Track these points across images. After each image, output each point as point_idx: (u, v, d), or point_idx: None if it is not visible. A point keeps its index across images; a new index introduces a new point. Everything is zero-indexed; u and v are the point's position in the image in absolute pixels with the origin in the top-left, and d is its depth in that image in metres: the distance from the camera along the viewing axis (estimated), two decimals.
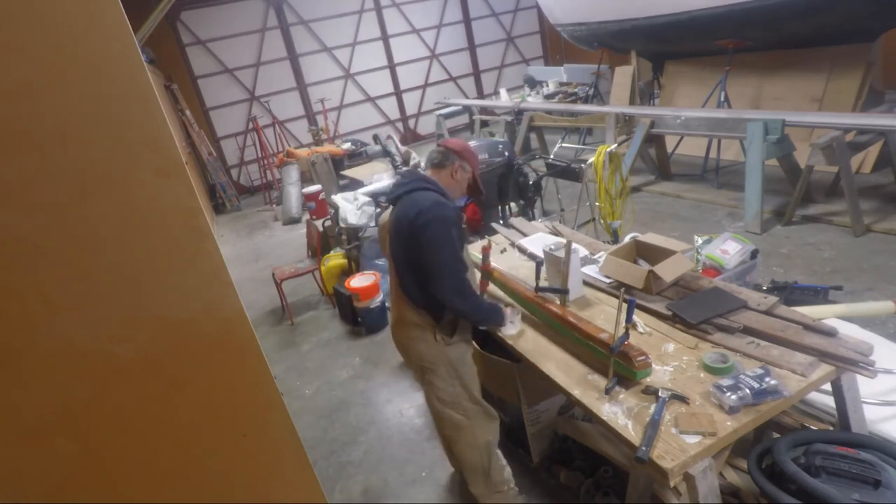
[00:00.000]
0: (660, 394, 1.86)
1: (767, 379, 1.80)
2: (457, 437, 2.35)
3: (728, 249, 3.59)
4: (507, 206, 5.41)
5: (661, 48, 7.81)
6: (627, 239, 2.90)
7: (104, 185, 1.07)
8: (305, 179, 8.06)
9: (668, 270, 2.48)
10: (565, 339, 2.33)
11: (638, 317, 2.36)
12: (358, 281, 4.59)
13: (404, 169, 2.43)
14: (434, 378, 2.25)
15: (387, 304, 4.65)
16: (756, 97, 6.69)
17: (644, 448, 1.66)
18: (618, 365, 2.01)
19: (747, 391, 1.76)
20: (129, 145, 1.08)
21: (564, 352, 2.29)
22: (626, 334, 2.06)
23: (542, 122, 7.81)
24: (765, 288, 3.52)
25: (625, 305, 2.09)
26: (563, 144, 8.08)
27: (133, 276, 1.14)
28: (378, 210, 5.02)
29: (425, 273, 2.07)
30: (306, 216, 6.95)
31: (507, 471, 2.48)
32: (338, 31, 11.09)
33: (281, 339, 4.88)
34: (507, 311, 2.40)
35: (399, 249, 2.16)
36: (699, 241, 3.78)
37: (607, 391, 1.95)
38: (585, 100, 9.17)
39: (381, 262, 5.17)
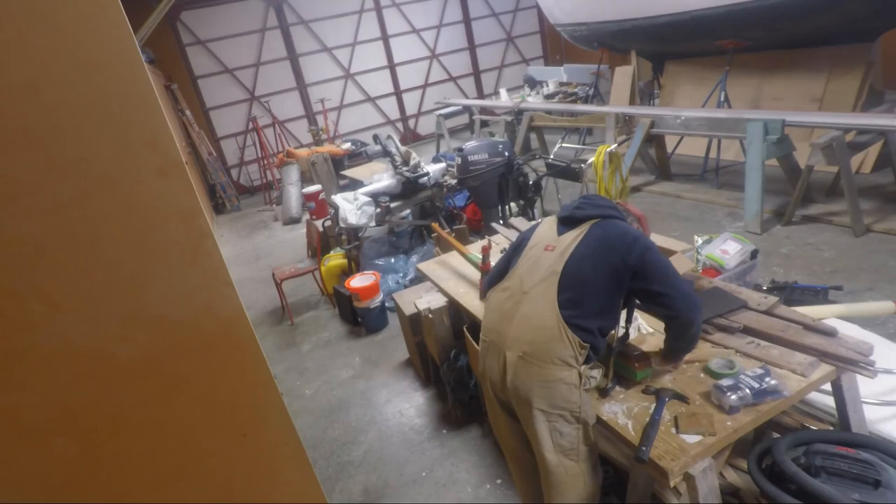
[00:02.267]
0: (660, 394, 1.86)
1: (767, 379, 1.80)
2: (565, 489, 1.98)
3: (728, 249, 3.59)
4: (507, 206, 5.41)
5: (661, 48, 7.80)
6: None
7: (104, 185, 1.07)
8: (305, 179, 8.06)
9: None
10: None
11: (638, 317, 2.36)
12: (358, 281, 4.59)
13: (593, 195, 2.25)
14: (562, 424, 1.91)
15: (386, 303, 4.66)
16: (756, 97, 6.69)
17: (644, 448, 1.66)
18: (618, 365, 2.01)
19: (747, 391, 1.76)
20: (130, 145, 1.08)
21: None
22: (626, 334, 2.06)
23: (542, 122, 7.81)
24: (765, 288, 3.52)
25: None
26: (563, 144, 8.08)
27: (133, 276, 1.13)
28: (378, 210, 5.02)
29: (652, 301, 1.92)
30: (306, 216, 6.95)
31: None
32: (338, 31, 11.09)
33: (281, 339, 4.88)
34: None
35: (588, 271, 1.90)
36: (699, 241, 3.78)
37: (607, 391, 1.95)
38: (585, 100, 9.17)
39: (381, 261, 5.17)
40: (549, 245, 2.01)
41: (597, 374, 1.92)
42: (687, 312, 1.89)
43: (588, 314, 1.88)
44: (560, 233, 2.03)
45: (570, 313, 1.86)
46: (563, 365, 1.85)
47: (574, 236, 1.97)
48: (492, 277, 2.22)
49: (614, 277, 1.88)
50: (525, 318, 1.92)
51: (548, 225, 2.13)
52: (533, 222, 2.29)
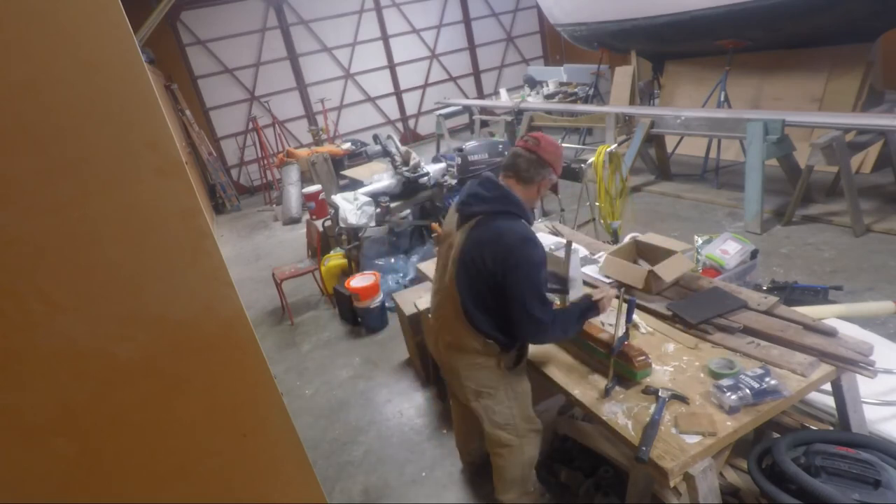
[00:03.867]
0: (660, 394, 1.86)
1: (767, 379, 1.80)
2: (505, 454, 2.24)
3: (728, 249, 3.59)
4: None
5: (661, 48, 7.80)
6: (627, 239, 2.90)
7: (105, 185, 1.07)
8: (305, 179, 8.05)
9: (668, 270, 2.48)
10: (565, 339, 2.33)
11: (638, 317, 2.36)
12: (358, 281, 4.59)
13: (486, 174, 2.10)
14: (491, 402, 2.11)
15: (386, 303, 4.66)
16: (756, 97, 6.69)
17: (644, 448, 1.66)
18: (618, 365, 2.01)
19: (747, 391, 1.76)
20: (130, 145, 1.08)
21: (564, 352, 2.29)
22: (626, 334, 2.06)
23: (542, 122, 7.81)
24: (765, 288, 3.52)
25: (625, 306, 2.10)
26: (564, 144, 8.08)
27: (133, 276, 1.14)
28: (378, 210, 5.02)
29: (508, 314, 1.91)
30: (306, 216, 6.95)
31: (535, 479, 2.46)
32: (338, 31, 11.09)
33: (281, 339, 4.87)
34: (597, 293, 2.09)
35: (470, 278, 1.94)
36: (699, 241, 3.78)
37: (607, 391, 1.95)
38: (585, 100, 9.17)
39: (381, 261, 5.17)
40: (451, 240, 2.05)
41: (514, 355, 2.09)
42: (533, 340, 2.03)
43: (481, 317, 1.95)
44: (458, 225, 2.03)
45: (469, 314, 1.96)
46: (478, 354, 2.01)
47: (462, 235, 1.98)
48: None
49: (492, 281, 1.89)
50: (443, 312, 2.09)
51: (451, 213, 2.13)
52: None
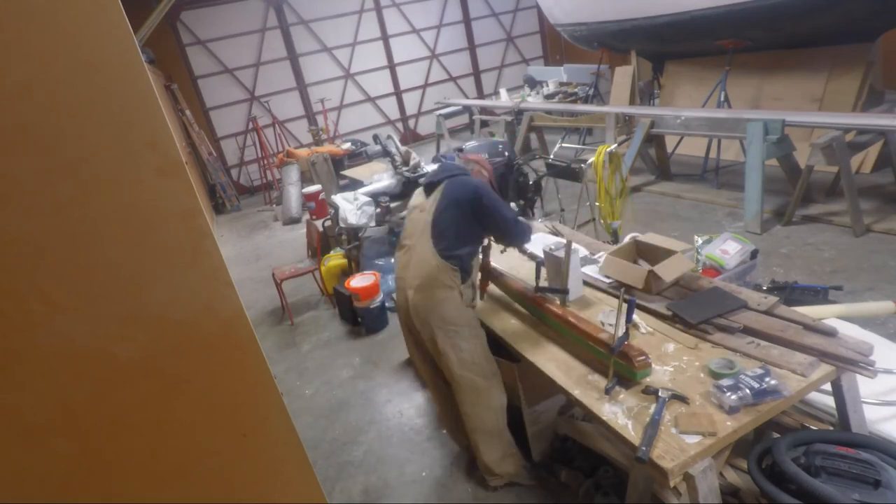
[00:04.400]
0: (660, 394, 1.86)
1: (767, 379, 1.80)
2: (476, 400, 2.54)
3: (728, 249, 3.59)
4: None
5: (661, 48, 7.80)
6: (627, 239, 2.90)
7: (104, 185, 1.07)
8: (305, 179, 8.06)
9: (668, 270, 2.48)
10: (565, 339, 2.33)
11: (638, 317, 2.36)
12: (358, 281, 4.59)
13: (443, 160, 3.11)
14: (459, 340, 2.46)
15: (386, 303, 4.66)
16: (756, 97, 6.69)
17: (644, 448, 1.66)
18: (618, 365, 2.01)
19: (747, 391, 1.76)
20: (130, 145, 1.08)
21: (564, 352, 2.29)
22: (626, 334, 2.06)
23: (542, 122, 7.81)
24: (765, 288, 3.52)
25: (625, 305, 2.10)
26: (563, 144, 8.06)
27: (133, 276, 1.13)
28: (378, 210, 5.02)
29: (493, 232, 2.60)
30: (306, 216, 6.95)
31: (510, 435, 2.71)
32: (338, 31, 11.09)
33: (281, 339, 4.87)
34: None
35: (448, 217, 2.48)
36: (699, 241, 3.78)
37: (607, 391, 1.95)
38: (585, 100, 9.17)
39: (381, 261, 5.17)
40: (421, 207, 2.61)
41: (470, 292, 2.56)
42: (513, 238, 2.62)
43: (454, 245, 2.46)
44: (426, 197, 2.63)
45: (441, 248, 2.45)
46: (445, 287, 2.43)
47: (435, 196, 2.56)
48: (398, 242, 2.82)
49: (465, 214, 2.47)
50: (414, 262, 2.52)
51: (418, 194, 2.74)
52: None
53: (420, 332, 2.57)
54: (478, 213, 2.47)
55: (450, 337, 2.46)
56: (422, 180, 2.77)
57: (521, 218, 2.68)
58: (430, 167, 5.44)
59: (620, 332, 2.04)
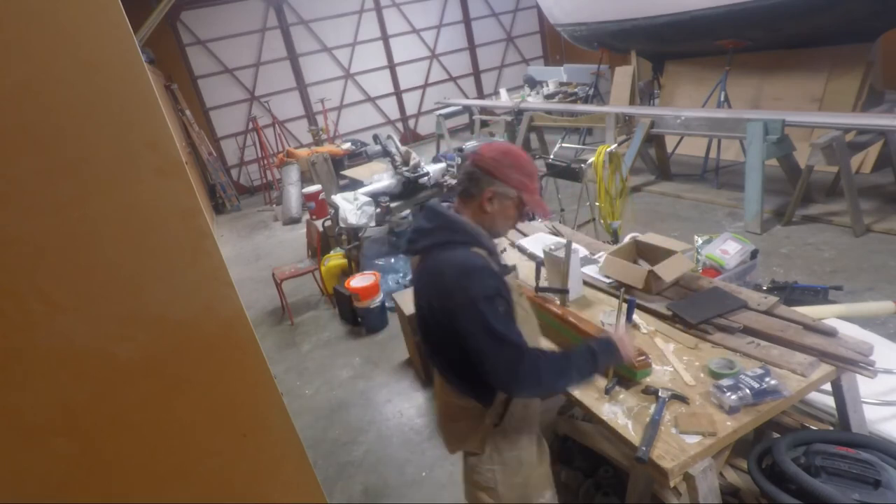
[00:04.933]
0: (660, 394, 1.86)
1: (767, 379, 1.80)
2: None
3: (728, 249, 3.59)
4: None
5: (661, 48, 7.80)
6: (627, 239, 2.90)
7: (104, 185, 1.07)
8: (305, 179, 8.06)
9: (668, 270, 2.48)
10: (565, 339, 2.33)
11: (638, 317, 2.36)
12: (358, 281, 4.59)
13: (429, 203, 1.75)
14: (475, 460, 1.76)
15: (386, 303, 4.66)
16: (756, 97, 6.69)
17: (644, 448, 1.66)
18: (617, 365, 2.00)
19: (747, 391, 1.76)
20: (130, 145, 1.08)
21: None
22: None
23: (542, 122, 7.81)
24: (765, 288, 3.52)
25: (625, 305, 2.09)
26: (563, 144, 8.05)
27: (133, 276, 1.14)
28: (378, 210, 5.02)
29: (470, 360, 1.55)
30: (306, 216, 6.95)
31: None
32: (338, 31, 11.09)
33: (281, 339, 4.87)
34: (619, 330, 1.78)
35: (426, 328, 1.70)
36: (699, 241, 3.78)
37: (607, 391, 1.95)
38: (585, 100, 9.17)
39: (381, 261, 5.17)
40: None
41: (500, 409, 1.69)
42: (506, 387, 1.55)
43: (446, 366, 1.67)
44: (417, 266, 1.73)
45: (436, 363, 1.70)
46: (463, 417, 1.70)
47: (416, 270, 1.71)
48: None
49: (442, 329, 1.57)
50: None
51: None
52: None
53: None
54: (455, 330, 1.52)
55: (468, 458, 1.80)
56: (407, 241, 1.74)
57: (528, 351, 1.53)
58: (431, 167, 5.44)
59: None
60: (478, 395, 1.66)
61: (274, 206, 9.20)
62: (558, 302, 2.48)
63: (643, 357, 1.97)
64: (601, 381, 2.02)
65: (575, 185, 4.94)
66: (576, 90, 9.76)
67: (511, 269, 1.73)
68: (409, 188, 5.30)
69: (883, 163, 5.41)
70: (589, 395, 1.99)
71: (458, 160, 5.19)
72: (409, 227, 1.81)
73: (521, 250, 3.27)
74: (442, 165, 5.54)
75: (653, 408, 1.82)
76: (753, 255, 3.63)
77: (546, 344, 2.22)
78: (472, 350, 1.52)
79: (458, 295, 1.50)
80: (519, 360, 1.50)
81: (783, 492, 1.68)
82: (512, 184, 1.61)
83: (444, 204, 1.73)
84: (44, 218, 1.04)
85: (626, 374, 2.00)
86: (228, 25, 10.07)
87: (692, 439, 1.68)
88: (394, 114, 12.24)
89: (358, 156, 8.28)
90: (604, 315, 2.36)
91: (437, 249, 1.60)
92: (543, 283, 2.63)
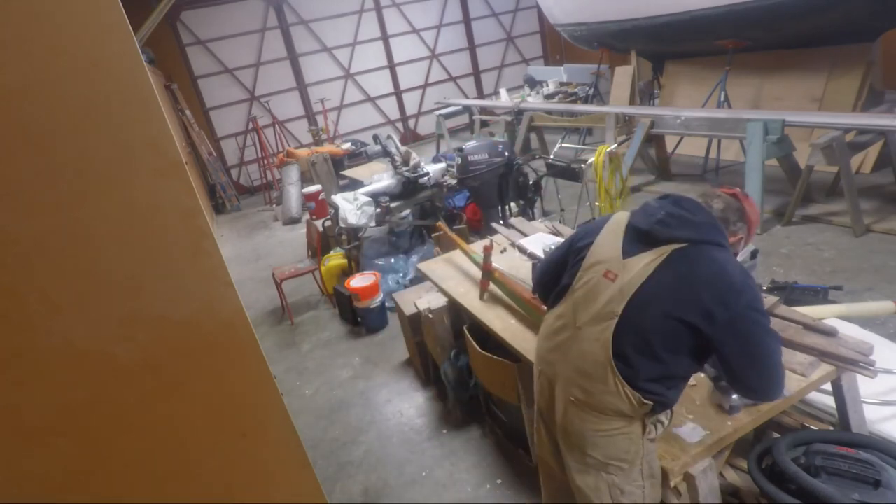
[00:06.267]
0: None
1: None
2: None
3: None
4: (507, 206, 5.41)
5: (661, 48, 7.80)
6: None
7: (104, 185, 1.07)
8: (305, 179, 8.05)
9: None
10: None
11: None
12: (358, 281, 4.59)
13: (680, 197, 1.64)
14: (620, 479, 1.63)
15: (386, 303, 4.65)
16: (756, 97, 6.69)
17: None
18: None
19: None
20: (129, 145, 1.08)
21: None
22: None
23: (542, 122, 7.81)
24: (765, 288, 3.52)
25: None
26: (563, 144, 8.07)
27: (133, 276, 1.14)
28: (378, 210, 5.01)
29: (729, 366, 1.51)
30: (306, 216, 6.95)
31: None
32: (338, 31, 11.09)
33: (281, 339, 4.87)
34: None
35: (655, 319, 1.51)
36: None
37: None
38: (585, 100, 9.16)
39: (381, 261, 5.17)
40: (610, 272, 1.57)
41: (665, 418, 1.65)
42: (760, 396, 1.60)
43: (646, 377, 1.52)
44: (627, 253, 1.56)
45: (627, 371, 1.52)
46: (622, 416, 1.57)
47: (644, 265, 1.52)
48: (544, 282, 1.89)
49: (686, 337, 1.48)
50: (577, 359, 1.62)
51: (613, 234, 1.64)
52: (591, 221, 1.93)
53: (558, 440, 1.77)
54: (718, 339, 1.47)
55: (609, 473, 1.63)
56: (633, 221, 1.63)
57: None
58: (432, 167, 5.43)
59: None
60: (661, 394, 1.55)
61: (274, 206, 9.20)
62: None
63: None
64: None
65: (575, 185, 4.94)
66: (576, 90, 9.76)
67: None
68: (409, 188, 5.30)
69: (883, 163, 5.41)
70: None
71: (458, 160, 5.18)
72: (659, 208, 1.61)
73: (521, 250, 3.27)
74: (442, 165, 5.53)
75: None
76: (753, 255, 3.63)
77: None
78: (751, 353, 1.48)
79: (748, 295, 1.46)
80: (779, 362, 1.53)
81: (783, 492, 1.68)
82: (747, 240, 1.72)
83: None
84: (44, 218, 1.03)
85: None
86: (228, 25, 10.07)
87: (692, 439, 1.68)
88: (394, 114, 12.24)
89: (358, 156, 8.28)
90: None
91: (707, 246, 1.51)
92: None
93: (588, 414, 1.61)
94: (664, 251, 1.51)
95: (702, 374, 1.95)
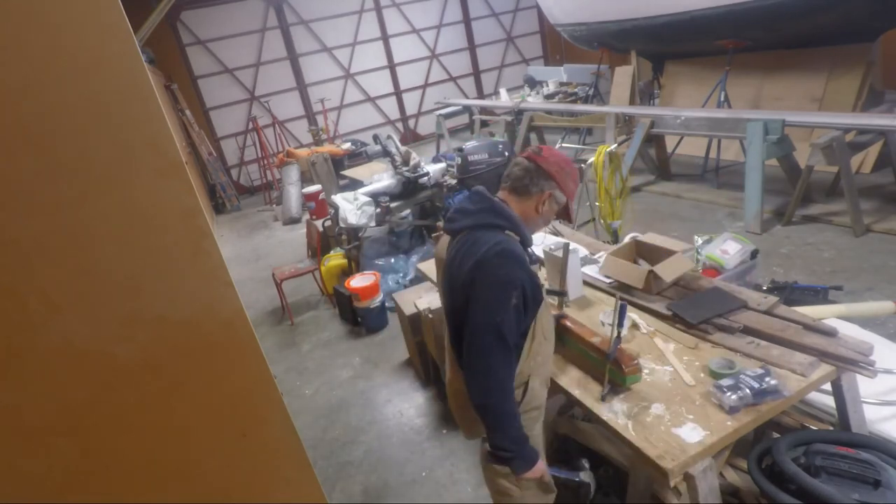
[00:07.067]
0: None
1: (767, 379, 1.80)
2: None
3: (728, 249, 3.58)
4: None
5: (661, 48, 7.80)
6: (627, 239, 2.89)
7: (104, 185, 1.07)
8: (305, 179, 8.06)
9: (668, 270, 2.48)
10: (561, 342, 2.32)
11: (638, 317, 2.36)
12: (358, 281, 4.59)
13: (476, 188, 1.82)
14: (492, 471, 1.77)
15: (386, 303, 4.66)
16: (756, 97, 6.69)
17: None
18: (611, 372, 2.00)
19: (747, 391, 1.76)
20: (129, 145, 1.08)
21: (561, 355, 2.28)
22: (619, 338, 2.04)
23: (542, 122, 7.81)
24: (765, 288, 3.52)
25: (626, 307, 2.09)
26: (563, 144, 8.07)
27: (133, 276, 1.14)
28: (378, 210, 5.02)
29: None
30: (306, 216, 6.95)
31: None
32: (338, 31, 11.09)
33: (281, 339, 4.87)
34: (541, 466, 1.72)
35: (451, 303, 1.68)
36: (699, 241, 3.78)
37: (603, 398, 1.94)
38: (585, 100, 9.16)
39: (381, 261, 5.17)
40: (441, 262, 1.77)
41: (521, 390, 1.69)
42: (468, 371, 1.57)
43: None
44: (447, 249, 1.74)
45: (458, 345, 1.63)
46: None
47: (447, 251, 1.71)
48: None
49: (464, 299, 1.57)
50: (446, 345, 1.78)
51: (443, 237, 1.83)
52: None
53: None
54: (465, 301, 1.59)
55: (484, 443, 1.76)
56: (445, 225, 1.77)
57: (504, 351, 1.56)
58: (432, 167, 5.43)
59: (615, 335, 2.03)
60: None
61: (274, 206, 9.20)
62: (556, 304, 2.48)
63: (634, 362, 1.96)
64: (596, 385, 2.01)
65: None
66: (576, 90, 9.76)
67: (538, 261, 1.77)
68: (409, 188, 5.30)
69: (883, 163, 5.41)
70: (589, 395, 1.99)
71: (458, 160, 5.18)
72: (451, 208, 1.84)
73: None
74: (442, 165, 5.53)
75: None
76: (753, 255, 3.63)
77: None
78: (468, 323, 1.56)
79: (487, 270, 1.54)
80: (489, 351, 1.54)
81: (783, 492, 1.68)
82: (567, 192, 1.75)
83: None
84: (44, 218, 1.04)
85: (617, 379, 1.99)
86: (228, 25, 10.07)
87: (692, 439, 1.68)
88: (394, 114, 12.24)
89: (358, 156, 8.28)
90: (603, 315, 2.36)
91: (478, 230, 1.64)
92: (543, 284, 2.62)
93: (459, 398, 1.82)
94: (456, 240, 1.70)
95: (701, 374, 1.95)
